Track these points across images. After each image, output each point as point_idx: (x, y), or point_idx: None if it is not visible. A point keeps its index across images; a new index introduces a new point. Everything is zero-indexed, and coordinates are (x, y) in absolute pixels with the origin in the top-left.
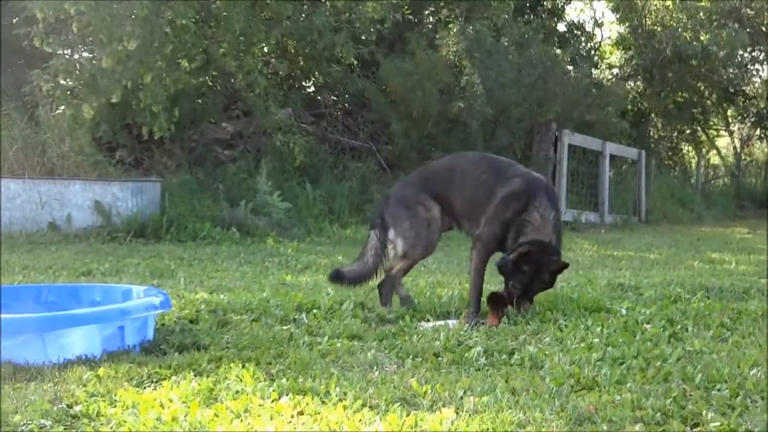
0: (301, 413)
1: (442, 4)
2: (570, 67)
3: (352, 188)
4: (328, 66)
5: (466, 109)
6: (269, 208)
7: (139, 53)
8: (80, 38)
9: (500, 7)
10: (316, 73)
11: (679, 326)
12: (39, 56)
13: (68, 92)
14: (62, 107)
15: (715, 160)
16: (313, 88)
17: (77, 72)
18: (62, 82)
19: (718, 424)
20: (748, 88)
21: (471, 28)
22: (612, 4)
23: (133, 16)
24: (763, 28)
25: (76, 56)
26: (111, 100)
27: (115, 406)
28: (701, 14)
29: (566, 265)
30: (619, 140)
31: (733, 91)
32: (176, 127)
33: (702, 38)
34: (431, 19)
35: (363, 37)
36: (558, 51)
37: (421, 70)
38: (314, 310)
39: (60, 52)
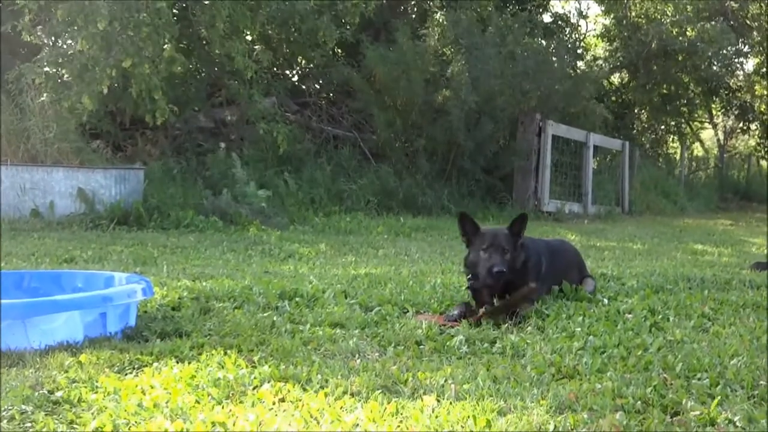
0: (282, 400)
1: None
2: (554, 58)
3: (335, 177)
4: (311, 51)
5: (452, 98)
6: (250, 198)
7: (118, 38)
8: (65, 26)
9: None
10: (300, 59)
11: (660, 316)
12: (22, 44)
13: (59, 81)
14: (44, 96)
15: (698, 152)
16: (296, 77)
17: (66, 62)
18: (52, 71)
19: (698, 412)
20: (732, 81)
21: (459, 18)
22: None
23: None
24: (747, 21)
25: (63, 46)
26: (101, 90)
27: (96, 393)
28: (688, 8)
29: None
30: (601, 130)
31: (717, 84)
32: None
33: (688, 33)
34: (416, 9)
35: (345, 20)
36: (543, 42)
37: (407, 59)
38: (296, 298)
39: (47, 41)
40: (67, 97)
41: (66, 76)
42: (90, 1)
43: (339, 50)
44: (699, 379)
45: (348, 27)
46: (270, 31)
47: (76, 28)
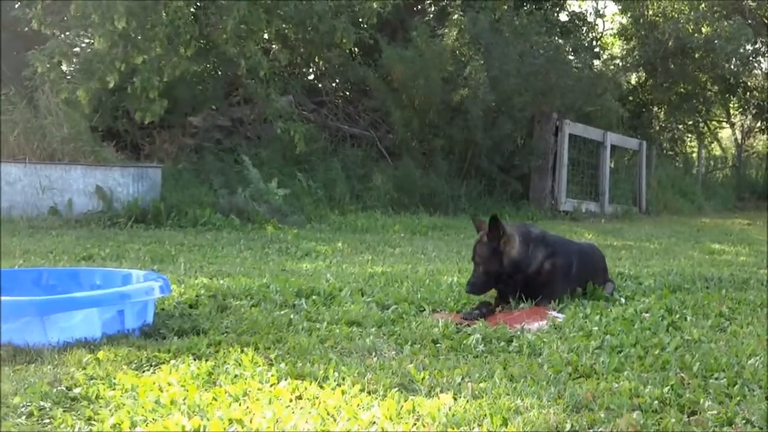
0: (299, 398)
1: None
2: (572, 57)
3: (352, 176)
4: (328, 51)
5: (469, 97)
6: (268, 196)
7: (133, 36)
8: (78, 20)
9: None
10: (317, 59)
11: (677, 315)
12: (40, 41)
13: (64, 75)
14: (62, 94)
15: (716, 151)
16: (313, 76)
17: (74, 55)
18: (59, 64)
19: (715, 412)
20: (750, 80)
21: (477, 18)
22: None
23: None
24: (765, 20)
25: (71, 39)
26: (108, 84)
27: (114, 389)
28: (703, 5)
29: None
30: (618, 128)
31: (734, 82)
32: (177, 114)
33: (704, 30)
34: (433, 8)
35: (364, 22)
36: (560, 41)
37: (425, 59)
38: (313, 296)
39: (58, 34)
40: (64, 89)
41: (70, 68)
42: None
43: (356, 49)
44: (716, 379)
45: (365, 28)
46: (287, 31)
47: (87, 23)
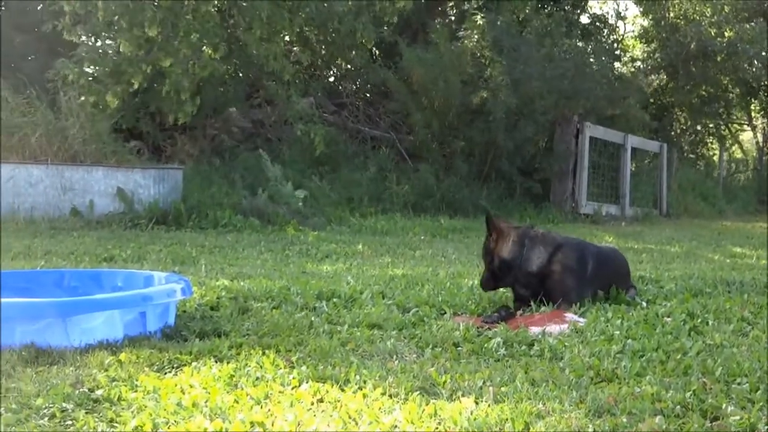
0: (320, 401)
1: None
2: (592, 60)
3: (372, 178)
4: (349, 52)
5: (490, 99)
6: (287, 198)
7: (161, 41)
8: (105, 26)
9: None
10: (338, 60)
11: (699, 320)
12: (63, 43)
13: (91, 79)
14: (84, 97)
15: (737, 154)
16: (334, 78)
17: (102, 59)
18: (87, 70)
19: (737, 417)
20: None
21: (498, 20)
22: None
23: (156, 3)
24: None
25: (99, 44)
26: (133, 86)
27: (136, 391)
28: (726, 9)
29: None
30: (641, 133)
31: (756, 85)
32: (198, 115)
33: (727, 33)
34: (454, 10)
35: (385, 19)
36: (580, 44)
37: (444, 61)
38: (334, 299)
39: (85, 39)
40: (94, 91)
41: (97, 73)
42: (134, 2)
43: (376, 51)
44: (739, 384)
45: (386, 27)
46: (308, 33)
47: (116, 28)
